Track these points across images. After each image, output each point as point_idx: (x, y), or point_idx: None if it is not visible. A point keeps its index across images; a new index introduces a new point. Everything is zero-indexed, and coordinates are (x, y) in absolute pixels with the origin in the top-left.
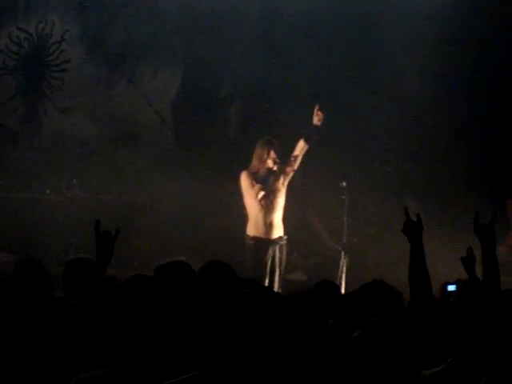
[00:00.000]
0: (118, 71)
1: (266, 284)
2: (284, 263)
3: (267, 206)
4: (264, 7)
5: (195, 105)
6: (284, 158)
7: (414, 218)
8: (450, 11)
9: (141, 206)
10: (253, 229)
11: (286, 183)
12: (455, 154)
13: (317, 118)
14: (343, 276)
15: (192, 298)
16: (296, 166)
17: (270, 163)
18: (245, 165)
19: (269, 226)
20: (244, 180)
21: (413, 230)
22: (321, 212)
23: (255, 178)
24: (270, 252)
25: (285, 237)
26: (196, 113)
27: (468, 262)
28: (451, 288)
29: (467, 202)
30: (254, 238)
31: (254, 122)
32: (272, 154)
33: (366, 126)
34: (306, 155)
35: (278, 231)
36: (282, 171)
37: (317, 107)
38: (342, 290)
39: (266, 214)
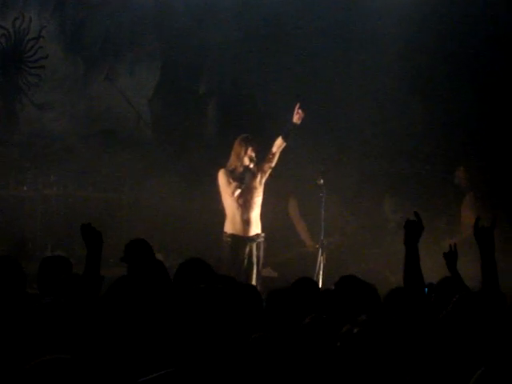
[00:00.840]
0: (95, 68)
1: (243, 281)
2: (261, 260)
3: (244, 203)
4: (242, 4)
5: (173, 102)
6: (262, 156)
7: (396, 216)
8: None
9: (118, 202)
10: (230, 226)
11: (263, 181)
12: (433, 152)
13: (297, 117)
14: (320, 273)
15: (167, 295)
16: (273, 163)
17: (246, 161)
18: (222, 162)
19: (246, 224)
20: (221, 178)
21: (413, 230)
22: (300, 210)
23: (232, 175)
24: (247, 249)
25: (262, 234)
26: (173, 110)
27: (450, 257)
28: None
29: (445, 200)
30: (232, 236)
31: (232, 119)
32: (249, 151)
33: (343, 124)
34: (284, 153)
35: (255, 228)
36: (259, 169)
37: (297, 105)
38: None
39: (243, 212)
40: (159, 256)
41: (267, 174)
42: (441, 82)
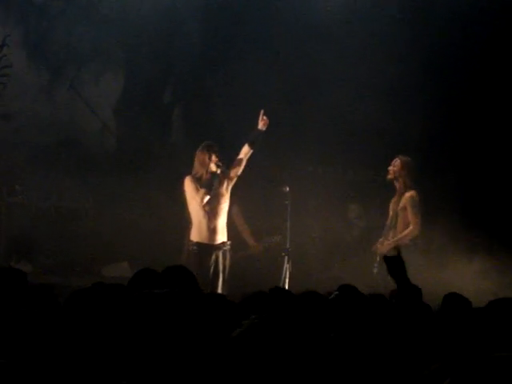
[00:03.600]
0: (59, 77)
1: (209, 290)
2: (228, 269)
3: (211, 211)
4: (205, 12)
5: (137, 110)
6: (226, 162)
7: (361, 223)
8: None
9: (82, 211)
10: (196, 234)
11: (229, 188)
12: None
13: (262, 123)
14: (287, 281)
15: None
16: (240, 170)
17: (213, 167)
18: (187, 170)
19: (212, 232)
20: (188, 185)
21: (394, 265)
22: (265, 215)
23: (199, 182)
24: (214, 257)
25: (228, 242)
26: (138, 118)
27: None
28: None
29: None
30: (197, 244)
31: (197, 126)
32: (214, 157)
33: (308, 132)
34: (249, 160)
35: (222, 236)
36: (225, 176)
37: (262, 112)
38: None
39: (210, 220)
40: (125, 265)
41: (233, 181)
42: (412, 90)
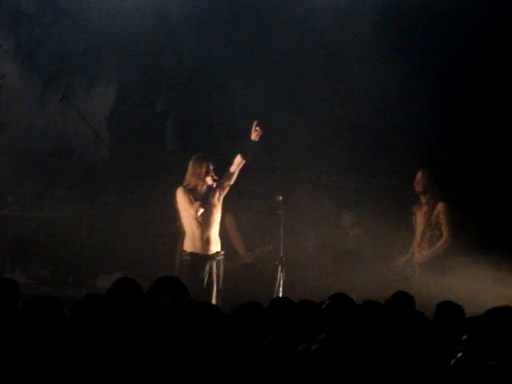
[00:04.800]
0: (52, 87)
1: (204, 300)
2: (222, 278)
3: (204, 221)
4: (198, 19)
5: (130, 119)
6: (219, 172)
7: (355, 231)
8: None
9: (76, 222)
10: (190, 244)
11: (221, 198)
12: (389, 166)
13: (255, 134)
14: (281, 290)
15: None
16: (233, 180)
17: (209, 180)
18: (182, 178)
19: (206, 242)
20: (181, 197)
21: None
22: (258, 225)
23: (193, 194)
24: (207, 268)
25: (222, 252)
26: (131, 127)
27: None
28: None
29: (403, 214)
30: (191, 254)
31: (191, 134)
32: (210, 170)
33: (301, 139)
34: (242, 170)
35: (215, 246)
36: (218, 186)
37: (255, 123)
38: None
39: (203, 230)
40: (118, 276)
41: (226, 191)
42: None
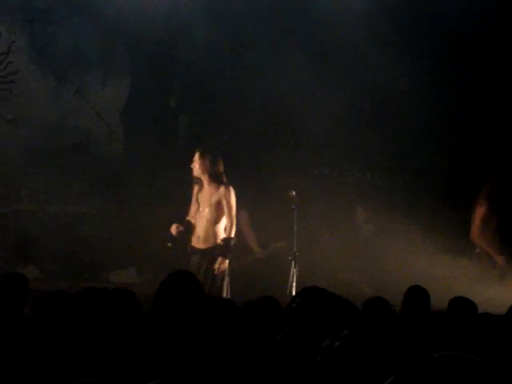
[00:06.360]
0: (65, 82)
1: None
2: (216, 272)
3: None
4: (209, 18)
5: (143, 115)
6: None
7: (369, 227)
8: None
9: (89, 216)
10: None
11: (213, 198)
12: (404, 163)
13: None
14: (294, 285)
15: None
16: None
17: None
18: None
19: (198, 237)
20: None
21: None
22: (271, 220)
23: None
24: (199, 261)
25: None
26: (144, 123)
27: None
28: None
29: (417, 210)
30: (192, 249)
31: (204, 131)
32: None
33: (314, 135)
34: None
35: (206, 242)
36: (212, 183)
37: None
38: None
39: (200, 225)
40: (132, 270)
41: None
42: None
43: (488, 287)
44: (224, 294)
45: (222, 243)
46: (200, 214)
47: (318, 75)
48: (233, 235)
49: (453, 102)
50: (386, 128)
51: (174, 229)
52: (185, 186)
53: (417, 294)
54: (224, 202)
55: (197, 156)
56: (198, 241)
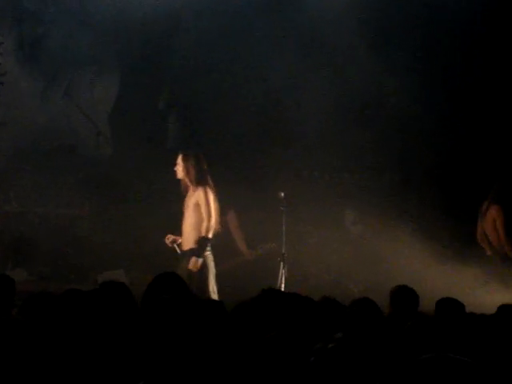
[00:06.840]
0: (54, 84)
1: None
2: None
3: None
4: (199, 18)
5: (132, 116)
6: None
7: (357, 228)
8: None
9: (78, 218)
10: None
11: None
12: (392, 164)
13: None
14: (283, 286)
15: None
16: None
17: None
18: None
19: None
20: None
21: None
22: (260, 222)
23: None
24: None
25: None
26: (133, 124)
27: None
28: None
29: (406, 212)
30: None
31: (193, 132)
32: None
33: (303, 137)
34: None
35: (187, 243)
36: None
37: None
38: None
39: (184, 227)
40: (121, 272)
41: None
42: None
43: (477, 288)
44: (211, 296)
45: (196, 243)
46: (184, 216)
47: (307, 75)
48: (210, 235)
49: (443, 103)
50: (375, 129)
51: (167, 240)
52: (175, 187)
53: (404, 295)
54: (202, 204)
55: (179, 158)
56: (183, 243)
